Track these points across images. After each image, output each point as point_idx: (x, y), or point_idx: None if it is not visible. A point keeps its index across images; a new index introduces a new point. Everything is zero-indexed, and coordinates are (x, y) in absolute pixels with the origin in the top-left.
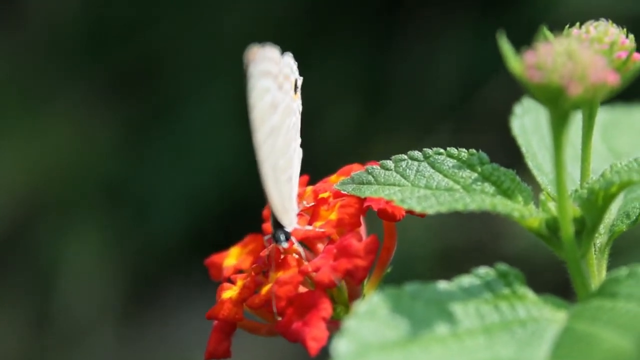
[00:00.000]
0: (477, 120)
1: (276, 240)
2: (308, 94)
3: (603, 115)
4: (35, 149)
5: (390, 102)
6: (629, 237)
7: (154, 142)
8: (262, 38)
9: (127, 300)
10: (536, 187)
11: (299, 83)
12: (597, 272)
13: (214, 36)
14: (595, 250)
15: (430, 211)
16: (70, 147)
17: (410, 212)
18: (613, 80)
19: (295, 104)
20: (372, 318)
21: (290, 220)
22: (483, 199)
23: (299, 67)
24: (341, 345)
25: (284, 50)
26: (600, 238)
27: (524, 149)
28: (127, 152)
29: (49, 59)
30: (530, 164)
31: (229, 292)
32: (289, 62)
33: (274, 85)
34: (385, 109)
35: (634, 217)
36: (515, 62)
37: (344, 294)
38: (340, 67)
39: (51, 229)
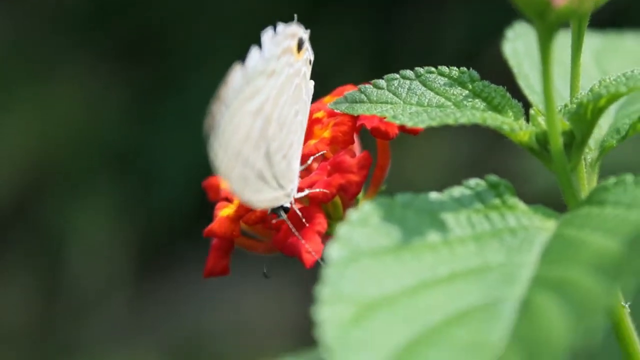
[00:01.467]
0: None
1: (276, 214)
2: (314, 61)
3: (596, 41)
4: (42, 118)
5: (396, 68)
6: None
7: (161, 109)
8: (270, 6)
9: (137, 268)
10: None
11: (305, 37)
12: (588, 185)
13: (222, 3)
14: (585, 165)
15: (422, 125)
16: (77, 116)
17: (402, 130)
18: None
19: (298, 64)
20: (364, 225)
21: (289, 194)
22: (473, 113)
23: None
24: (333, 251)
25: (290, 17)
26: (591, 153)
27: (515, 70)
28: (134, 120)
29: (54, 27)
30: (521, 84)
31: (226, 210)
32: (289, 31)
33: (257, 103)
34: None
35: (624, 133)
36: None
37: (339, 210)
38: (346, 34)
39: (59, 199)
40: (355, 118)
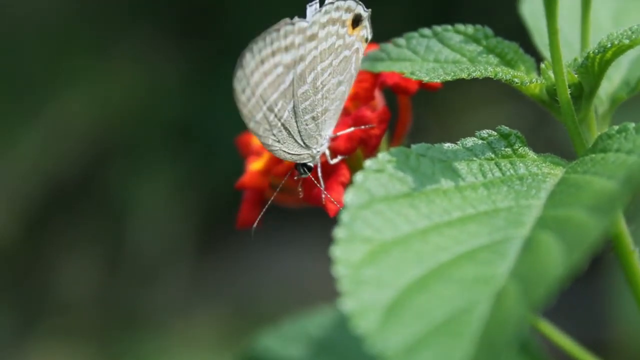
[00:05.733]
0: None
1: (298, 171)
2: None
3: (615, 2)
4: (104, 90)
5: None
6: None
7: (221, 80)
8: None
9: (199, 238)
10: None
11: (364, 15)
12: None
13: None
14: (597, 117)
15: (437, 80)
16: (139, 89)
17: (422, 86)
18: None
19: (351, 38)
20: (379, 172)
21: (313, 156)
22: (486, 68)
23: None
24: (349, 196)
25: None
26: (602, 106)
27: (532, 30)
28: (195, 92)
29: (116, 1)
30: (537, 41)
31: (256, 164)
32: (343, 4)
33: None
34: None
35: (633, 85)
36: None
37: (360, 162)
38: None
39: (123, 170)
40: (376, 76)
